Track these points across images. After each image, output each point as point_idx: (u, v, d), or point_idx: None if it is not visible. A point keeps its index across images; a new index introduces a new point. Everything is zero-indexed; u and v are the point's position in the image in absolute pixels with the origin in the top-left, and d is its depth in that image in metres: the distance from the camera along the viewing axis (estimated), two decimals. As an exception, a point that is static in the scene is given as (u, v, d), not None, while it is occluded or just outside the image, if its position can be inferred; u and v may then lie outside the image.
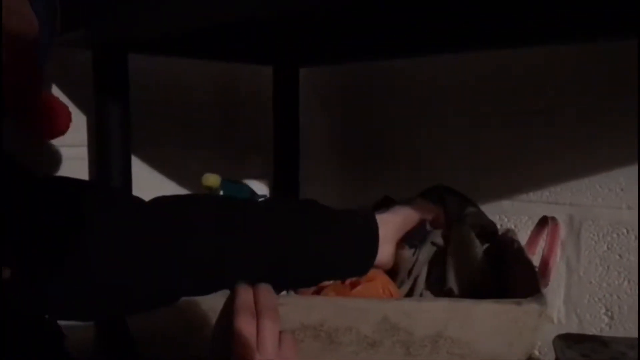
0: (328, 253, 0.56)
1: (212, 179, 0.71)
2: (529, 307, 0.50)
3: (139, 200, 0.56)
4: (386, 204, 0.70)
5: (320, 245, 0.56)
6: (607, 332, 0.79)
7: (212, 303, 0.52)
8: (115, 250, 0.50)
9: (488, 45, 0.82)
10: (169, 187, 0.96)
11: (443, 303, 0.49)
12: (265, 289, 0.50)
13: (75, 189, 0.54)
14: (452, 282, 0.60)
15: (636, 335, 0.76)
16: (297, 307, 0.50)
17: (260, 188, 0.82)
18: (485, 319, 0.49)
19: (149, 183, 0.91)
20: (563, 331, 0.58)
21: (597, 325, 0.80)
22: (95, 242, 0.50)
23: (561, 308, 0.83)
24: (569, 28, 0.71)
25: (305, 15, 0.74)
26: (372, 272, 0.69)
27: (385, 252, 0.60)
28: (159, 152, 0.94)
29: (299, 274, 0.56)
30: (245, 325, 0.46)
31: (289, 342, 0.48)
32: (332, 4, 0.61)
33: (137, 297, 0.53)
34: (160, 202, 0.55)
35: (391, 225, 0.61)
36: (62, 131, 0.69)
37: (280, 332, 0.48)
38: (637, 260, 0.76)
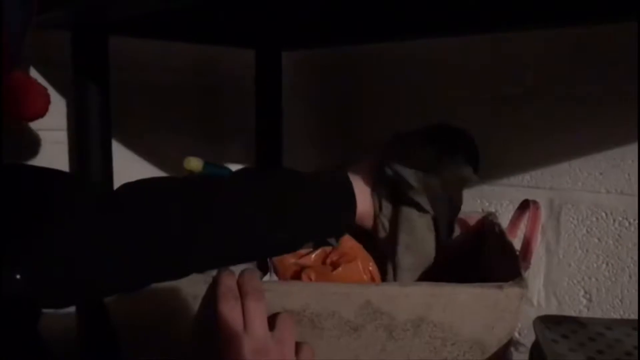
0: (307, 214, 0.58)
1: (194, 163, 0.70)
2: (511, 290, 0.50)
3: (105, 188, 0.55)
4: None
5: (298, 208, 0.58)
6: (585, 314, 0.80)
7: (193, 289, 0.52)
8: (80, 240, 0.50)
9: (466, 30, 0.82)
10: (150, 171, 0.95)
11: (425, 287, 0.49)
12: (248, 273, 0.50)
13: (38, 177, 0.53)
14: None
15: (613, 317, 0.77)
16: (278, 293, 0.50)
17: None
18: (467, 303, 0.50)
19: (129, 167, 0.90)
20: (543, 313, 0.59)
21: (575, 307, 0.81)
22: (59, 232, 0.49)
23: (541, 290, 0.84)
24: (553, 11, 0.71)
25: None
26: (352, 251, 0.69)
27: (363, 201, 0.62)
28: (140, 136, 0.93)
29: (280, 240, 0.57)
30: (229, 308, 0.46)
31: (284, 322, 0.48)
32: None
33: (104, 287, 0.53)
34: (128, 188, 0.55)
35: (360, 174, 0.63)
36: (39, 114, 0.68)
37: (277, 314, 0.48)
38: (614, 244, 0.77)
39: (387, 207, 0.63)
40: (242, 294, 0.47)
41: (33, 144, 0.83)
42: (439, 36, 0.88)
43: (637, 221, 0.75)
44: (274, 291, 0.49)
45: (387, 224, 0.64)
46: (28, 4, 0.64)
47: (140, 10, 0.69)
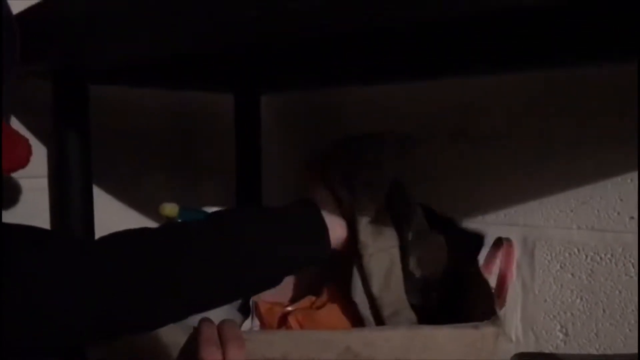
0: (282, 249, 0.59)
1: (169, 208, 0.71)
2: (487, 330, 0.52)
3: (81, 240, 0.56)
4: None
5: (272, 244, 0.59)
6: (562, 349, 0.81)
7: (174, 338, 0.53)
8: (54, 288, 0.51)
9: (441, 74, 0.85)
10: (129, 215, 0.95)
11: (403, 331, 0.50)
12: (228, 322, 0.51)
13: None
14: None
15: (590, 351, 0.79)
16: (258, 342, 0.51)
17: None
18: (444, 344, 0.51)
19: (110, 211, 0.91)
20: (521, 349, 0.60)
21: (553, 341, 0.82)
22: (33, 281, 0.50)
23: (518, 326, 0.85)
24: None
25: (266, 45, 0.76)
26: (333, 295, 0.70)
27: (335, 227, 0.64)
28: (120, 181, 0.94)
29: (259, 279, 0.58)
30: (210, 356, 0.47)
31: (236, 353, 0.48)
32: (289, 37, 0.63)
33: (82, 336, 0.53)
34: (108, 240, 0.56)
35: (326, 202, 0.66)
36: (21, 165, 0.69)
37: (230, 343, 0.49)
38: (587, 279, 0.79)
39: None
40: (222, 342, 0.48)
41: (14, 192, 0.84)
42: (409, 80, 0.91)
43: (608, 256, 0.77)
44: (254, 341, 0.50)
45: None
46: (10, 55, 0.65)
47: (118, 61, 0.71)
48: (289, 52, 0.86)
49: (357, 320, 0.65)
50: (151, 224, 0.96)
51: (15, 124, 0.82)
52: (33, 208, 0.85)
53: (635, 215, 0.75)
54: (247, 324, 0.70)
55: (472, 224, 0.88)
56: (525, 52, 0.69)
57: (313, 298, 0.71)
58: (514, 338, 0.85)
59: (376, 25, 0.51)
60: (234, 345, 0.48)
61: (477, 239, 0.71)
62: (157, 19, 0.56)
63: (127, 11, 0.58)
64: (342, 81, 0.96)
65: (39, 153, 0.85)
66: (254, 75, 0.98)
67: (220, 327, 0.49)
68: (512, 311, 0.85)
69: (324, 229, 0.63)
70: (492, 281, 0.68)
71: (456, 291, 0.71)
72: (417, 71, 0.84)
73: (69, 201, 0.81)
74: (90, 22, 0.61)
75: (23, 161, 0.69)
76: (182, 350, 0.50)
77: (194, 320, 0.52)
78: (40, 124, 0.83)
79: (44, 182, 0.87)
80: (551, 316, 0.83)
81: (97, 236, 0.82)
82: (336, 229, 0.64)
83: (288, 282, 0.86)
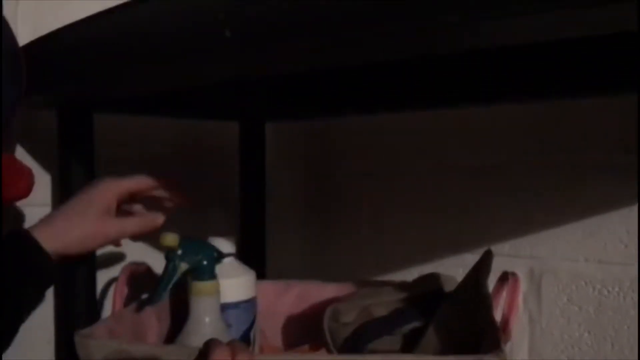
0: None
1: (169, 238, 0.70)
2: (490, 365, 0.51)
3: None
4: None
5: None
6: (570, 384, 0.80)
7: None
8: None
9: (448, 103, 0.85)
10: (132, 244, 0.95)
11: (408, 358, 0.49)
12: (239, 344, 0.50)
13: None
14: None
15: (598, 387, 0.77)
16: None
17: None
18: (446, 378, 0.50)
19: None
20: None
21: (560, 376, 0.81)
22: None
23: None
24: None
25: (273, 75, 0.76)
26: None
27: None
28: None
29: None
30: None
31: None
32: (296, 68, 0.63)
33: None
34: None
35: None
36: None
37: None
38: (595, 312, 0.78)
39: None
40: None
41: (17, 220, 0.84)
42: (414, 109, 0.91)
43: (615, 289, 0.76)
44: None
45: None
46: (17, 85, 0.66)
47: (123, 92, 0.72)
48: (293, 81, 0.86)
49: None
50: (155, 253, 0.96)
51: (19, 151, 0.82)
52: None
53: (643, 248, 0.74)
54: None
55: (478, 255, 0.87)
56: (527, 83, 0.69)
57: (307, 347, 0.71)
58: (521, 372, 0.84)
59: (381, 59, 0.51)
60: None
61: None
62: (162, 54, 0.56)
63: (132, 44, 0.58)
64: (347, 110, 0.96)
65: (43, 181, 0.85)
66: (259, 103, 0.98)
67: (231, 347, 0.48)
68: (519, 345, 0.83)
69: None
70: (498, 315, 0.66)
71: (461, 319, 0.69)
72: (423, 100, 0.84)
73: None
74: (94, 54, 0.61)
75: (25, 191, 0.69)
76: None
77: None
78: (45, 152, 0.83)
79: (47, 211, 0.87)
80: (559, 350, 0.81)
81: (99, 263, 0.82)
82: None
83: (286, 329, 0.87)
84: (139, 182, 0.76)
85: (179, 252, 0.70)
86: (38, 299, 0.68)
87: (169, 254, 0.70)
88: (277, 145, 1.09)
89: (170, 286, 0.70)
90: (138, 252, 0.93)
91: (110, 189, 0.72)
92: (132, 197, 0.76)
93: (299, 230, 1.11)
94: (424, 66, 0.74)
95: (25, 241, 0.65)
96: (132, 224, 0.73)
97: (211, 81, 0.65)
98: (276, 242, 1.06)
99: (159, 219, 0.75)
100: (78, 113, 0.80)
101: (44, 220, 0.69)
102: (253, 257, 0.95)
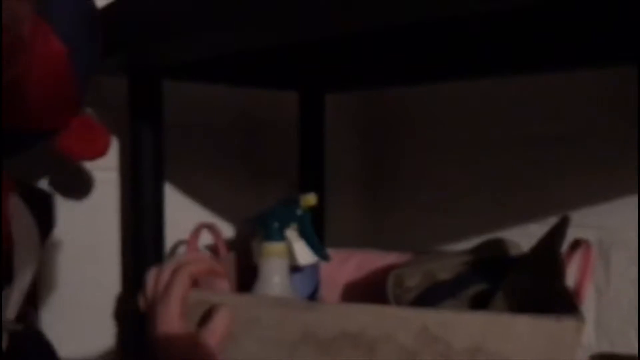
0: None
1: (312, 198, 0.76)
2: (569, 324, 0.50)
3: None
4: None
5: None
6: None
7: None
8: None
9: (512, 70, 0.83)
10: (197, 210, 0.97)
11: (482, 316, 0.49)
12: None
13: None
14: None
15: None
16: (336, 315, 0.51)
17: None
18: (523, 334, 0.50)
19: (179, 206, 0.93)
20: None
21: (628, 347, 0.79)
22: None
23: (591, 331, 0.82)
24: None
25: (332, 41, 0.76)
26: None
27: None
28: (187, 177, 0.96)
29: None
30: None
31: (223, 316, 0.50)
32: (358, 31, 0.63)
33: None
34: None
35: None
36: (100, 154, 0.71)
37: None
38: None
39: None
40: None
41: (86, 183, 0.86)
42: (476, 77, 0.89)
43: (689, 260, 0.74)
44: (331, 313, 0.50)
45: None
46: (94, 47, 0.68)
47: (192, 57, 0.73)
48: (353, 49, 0.86)
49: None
50: (216, 218, 0.98)
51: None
52: (104, 200, 0.87)
53: None
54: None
55: (544, 225, 0.86)
56: (610, 47, 0.67)
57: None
58: (586, 343, 0.82)
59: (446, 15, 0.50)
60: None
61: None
62: (229, 16, 0.57)
63: (199, 8, 0.59)
64: (406, 78, 0.95)
65: (112, 146, 0.87)
66: (319, 72, 0.98)
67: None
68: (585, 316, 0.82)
69: None
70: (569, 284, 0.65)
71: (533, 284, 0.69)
72: (486, 67, 0.83)
73: (140, 195, 0.83)
74: (163, 19, 0.63)
75: (102, 150, 0.71)
76: None
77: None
78: (113, 118, 0.85)
79: (114, 176, 0.89)
80: (626, 322, 0.80)
81: (167, 230, 0.84)
82: None
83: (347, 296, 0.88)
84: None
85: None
86: None
87: (305, 214, 0.74)
88: (336, 115, 1.10)
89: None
90: (202, 217, 0.95)
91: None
92: None
93: (358, 201, 1.11)
94: (490, 27, 0.73)
95: None
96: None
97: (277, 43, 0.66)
98: (335, 213, 1.07)
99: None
100: (148, 79, 0.82)
101: None
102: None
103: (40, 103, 0.61)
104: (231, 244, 0.90)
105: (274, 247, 0.71)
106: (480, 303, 0.68)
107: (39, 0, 0.57)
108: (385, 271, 0.81)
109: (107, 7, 0.69)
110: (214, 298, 0.59)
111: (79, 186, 0.85)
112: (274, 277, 0.70)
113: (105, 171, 0.89)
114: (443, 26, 0.73)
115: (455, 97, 0.97)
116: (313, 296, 0.78)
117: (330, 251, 0.90)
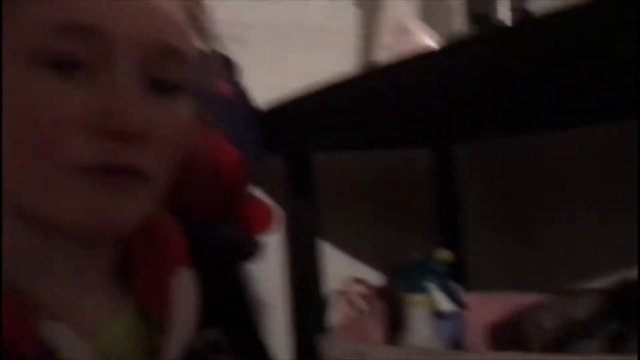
0: None
1: (447, 254, 0.87)
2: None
3: None
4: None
5: None
6: None
7: None
8: None
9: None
10: (349, 263, 1.10)
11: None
12: None
13: None
14: None
15: None
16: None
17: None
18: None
19: (334, 260, 1.06)
20: None
21: None
22: None
23: None
24: None
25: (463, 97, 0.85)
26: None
27: None
28: (338, 234, 1.09)
29: None
30: None
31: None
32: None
33: None
34: None
35: None
36: (268, 229, 0.86)
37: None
38: None
39: None
40: None
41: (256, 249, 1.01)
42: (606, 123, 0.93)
43: None
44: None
45: None
46: (258, 145, 0.83)
47: (338, 143, 0.86)
48: (479, 102, 0.94)
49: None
50: (365, 269, 1.10)
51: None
52: (269, 260, 1.02)
53: None
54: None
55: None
56: None
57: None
58: None
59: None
60: None
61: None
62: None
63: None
64: (536, 127, 1.01)
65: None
66: (447, 128, 1.07)
67: None
68: None
69: None
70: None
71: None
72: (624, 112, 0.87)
73: (300, 253, 0.97)
74: (320, 114, 0.77)
75: (269, 226, 0.86)
76: None
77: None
78: (274, 192, 1.00)
79: (277, 239, 1.04)
80: None
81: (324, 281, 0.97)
82: None
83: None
84: None
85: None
86: None
87: (442, 267, 0.84)
88: (467, 164, 1.18)
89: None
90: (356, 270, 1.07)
91: None
92: None
93: (496, 245, 1.17)
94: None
95: None
96: None
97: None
98: (474, 258, 1.14)
99: None
100: (300, 157, 0.97)
101: None
102: (454, 272, 1.04)
103: (222, 196, 0.77)
104: (378, 294, 1.01)
105: (417, 298, 0.81)
106: (618, 344, 0.72)
107: (211, 115, 0.73)
108: (525, 312, 0.87)
109: (268, 111, 0.85)
110: (366, 349, 0.70)
111: (251, 251, 1.01)
112: (419, 326, 0.80)
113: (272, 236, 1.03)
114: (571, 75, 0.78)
115: (587, 140, 1.01)
116: (457, 342, 0.87)
117: (472, 295, 0.98)
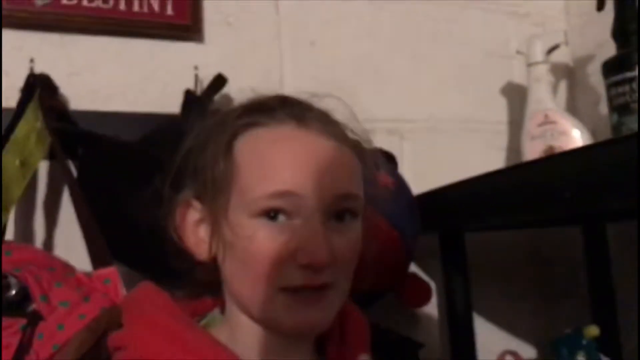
0: None
1: (594, 330, 0.91)
2: None
3: None
4: None
5: None
6: None
7: None
8: None
9: None
10: (502, 335, 1.15)
11: None
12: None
13: None
14: None
15: None
16: None
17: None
18: None
19: (486, 333, 1.12)
20: None
21: None
22: None
23: None
24: None
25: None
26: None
27: None
28: (491, 307, 1.15)
29: None
30: None
31: None
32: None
33: None
34: None
35: None
36: (424, 303, 0.96)
37: None
38: None
39: None
40: None
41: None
42: None
43: None
44: None
45: None
46: (416, 224, 0.94)
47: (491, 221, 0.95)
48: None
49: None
50: (516, 341, 1.15)
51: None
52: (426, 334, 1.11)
53: None
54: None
55: None
56: None
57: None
58: None
59: None
60: None
61: None
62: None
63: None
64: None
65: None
66: (598, 211, 1.11)
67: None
68: None
69: None
70: None
71: None
72: None
73: (455, 324, 1.05)
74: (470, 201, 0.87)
75: (426, 301, 0.96)
76: None
77: None
78: (429, 267, 1.10)
79: (434, 310, 1.13)
80: None
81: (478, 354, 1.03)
82: None
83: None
84: None
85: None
86: None
87: (590, 342, 0.90)
88: (619, 240, 1.20)
89: None
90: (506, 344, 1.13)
91: None
92: None
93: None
94: None
95: None
96: None
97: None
98: (628, 331, 1.14)
99: None
100: (454, 235, 1.06)
101: None
102: (607, 347, 1.06)
103: (383, 272, 0.89)
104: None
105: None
106: None
107: (375, 204, 0.85)
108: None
109: (423, 195, 0.97)
110: None
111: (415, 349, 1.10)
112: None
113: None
114: None
115: None
116: None
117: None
